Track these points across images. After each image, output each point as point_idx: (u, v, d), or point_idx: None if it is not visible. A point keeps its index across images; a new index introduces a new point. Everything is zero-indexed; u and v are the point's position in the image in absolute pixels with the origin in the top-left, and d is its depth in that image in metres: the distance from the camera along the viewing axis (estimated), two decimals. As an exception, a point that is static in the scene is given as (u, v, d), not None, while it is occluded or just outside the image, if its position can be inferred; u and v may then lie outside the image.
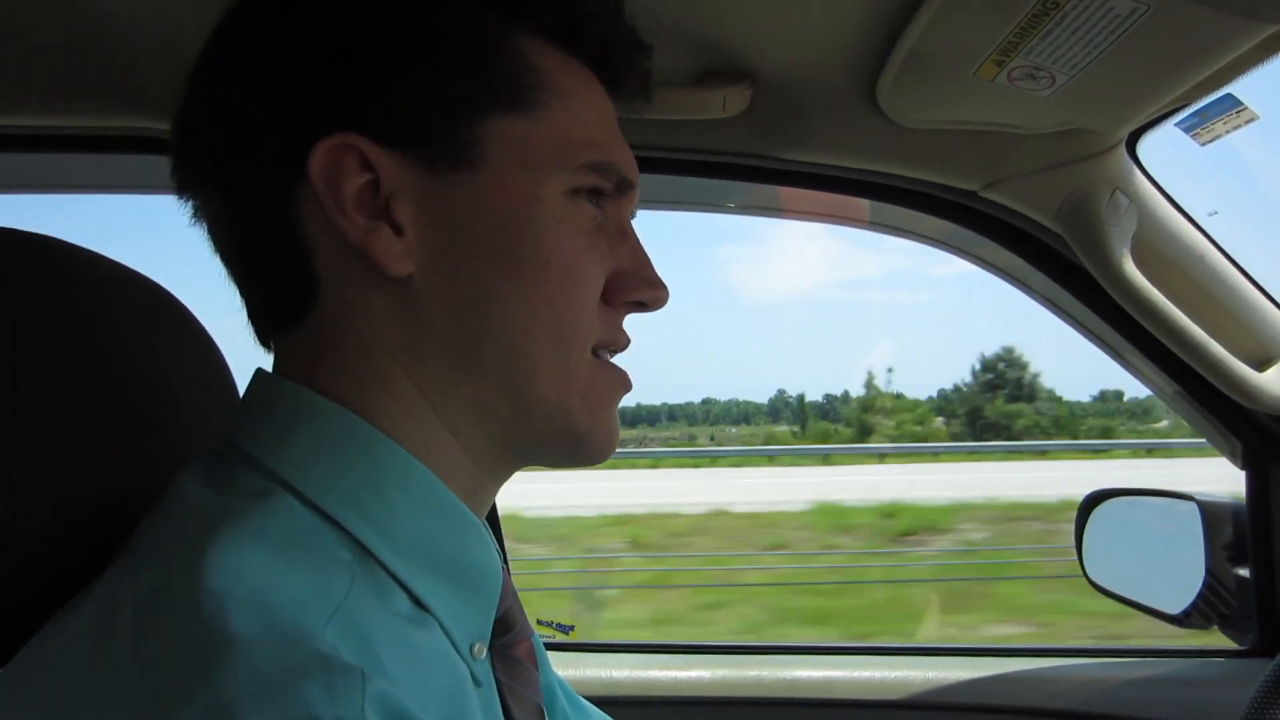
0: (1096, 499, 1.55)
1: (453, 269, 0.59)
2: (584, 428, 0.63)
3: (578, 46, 0.64)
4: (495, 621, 0.63)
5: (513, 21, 0.61)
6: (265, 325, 0.64)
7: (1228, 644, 1.44)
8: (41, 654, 0.52)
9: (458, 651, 0.58)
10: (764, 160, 1.16)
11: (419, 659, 0.52)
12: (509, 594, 0.67)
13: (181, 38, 0.62)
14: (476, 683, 0.60)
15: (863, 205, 1.30)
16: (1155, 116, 0.98)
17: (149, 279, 0.73)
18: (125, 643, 0.47)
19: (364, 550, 0.55)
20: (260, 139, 0.59)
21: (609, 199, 0.65)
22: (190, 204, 0.64)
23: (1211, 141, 0.98)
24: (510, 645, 0.67)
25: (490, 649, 0.63)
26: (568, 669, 1.46)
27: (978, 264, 1.37)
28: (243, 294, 0.64)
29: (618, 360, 0.68)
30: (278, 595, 0.48)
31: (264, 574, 0.49)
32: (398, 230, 0.58)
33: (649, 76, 0.71)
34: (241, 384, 0.65)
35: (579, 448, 0.64)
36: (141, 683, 0.44)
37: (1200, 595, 1.39)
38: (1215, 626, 1.41)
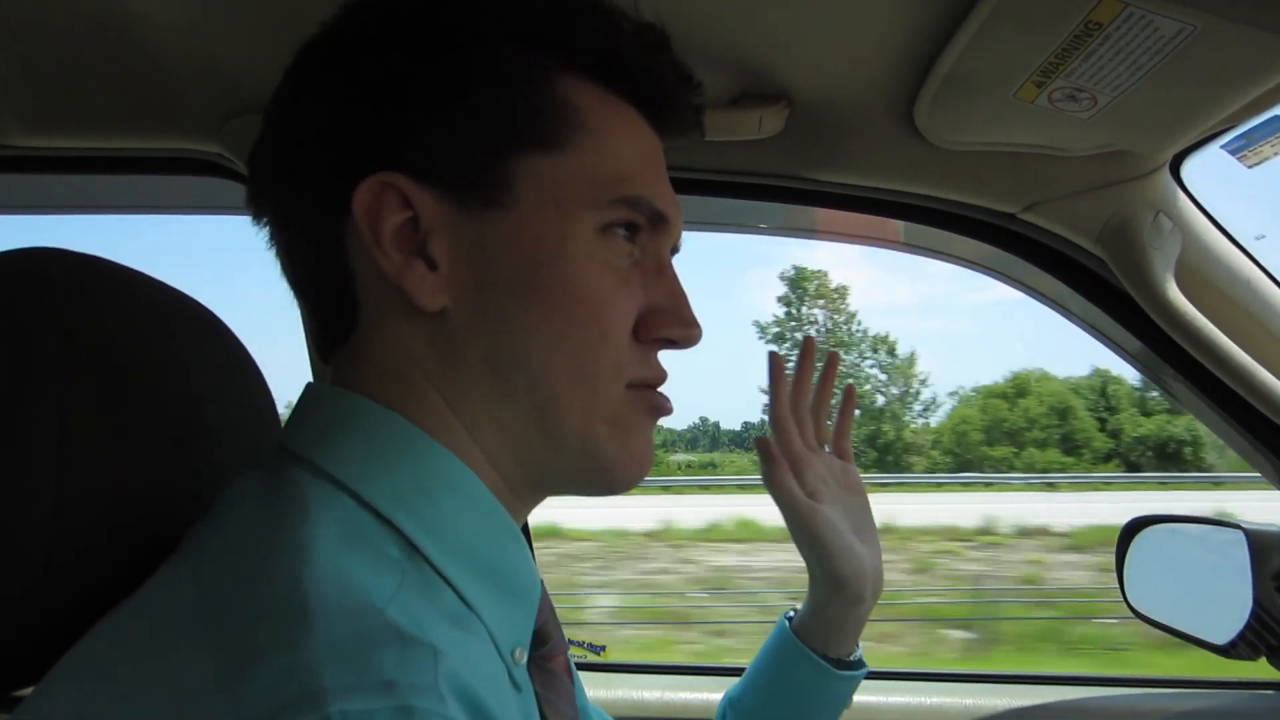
0: (1137, 525, 1.52)
1: (484, 304, 0.61)
2: (612, 458, 0.64)
3: (619, 85, 0.65)
4: (533, 634, 0.64)
5: (550, 61, 0.63)
6: (319, 341, 0.67)
7: (1276, 676, 1.40)
8: (90, 653, 0.53)
9: (499, 654, 0.59)
10: (799, 181, 1.16)
11: (468, 654, 0.53)
12: (546, 606, 0.68)
13: (225, 64, 0.64)
14: (517, 687, 0.61)
15: (897, 226, 1.29)
16: (1200, 138, 0.96)
17: (193, 299, 0.75)
18: (192, 623, 0.49)
19: (412, 548, 0.56)
20: (310, 176, 0.62)
21: (645, 233, 0.65)
22: (265, 229, 0.67)
23: (1259, 164, 0.96)
24: (547, 658, 0.68)
25: (528, 660, 0.64)
26: (598, 689, 1.46)
27: (1016, 287, 1.35)
28: (302, 311, 0.68)
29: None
30: (347, 573, 0.50)
31: (332, 554, 0.51)
32: (432, 265, 0.60)
33: (700, 110, 0.72)
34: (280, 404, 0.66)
35: (606, 477, 0.65)
36: (219, 650, 0.46)
37: (1247, 626, 1.35)
38: (1263, 658, 1.37)
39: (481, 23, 0.61)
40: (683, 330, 0.67)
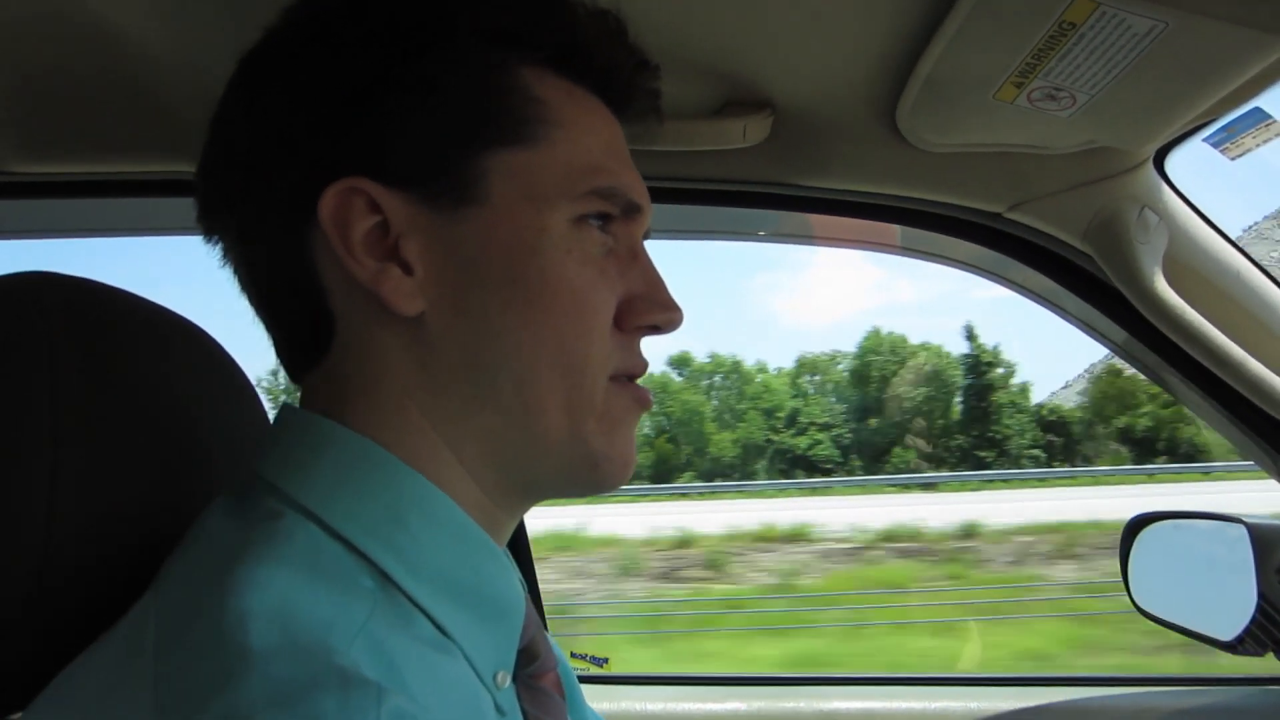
0: (1142, 522, 1.51)
1: (462, 304, 0.60)
2: (600, 453, 0.63)
3: (581, 74, 0.65)
4: (519, 652, 0.63)
5: (513, 55, 0.62)
6: (289, 362, 0.65)
7: (1283, 671, 1.40)
8: (72, 683, 0.53)
9: (480, 680, 0.58)
10: (787, 188, 1.16)
11: (442, 683, 0.52)
12: (532, 624, 0.66)
13: (217, 86, 0.65)
14: (500, 711, 0.59)
15: (893, 230, 1.29)
16: (1182, 132, 0.96)
17: (186, 320, 0.75)
18: (147, 660, 0.48)
19: (385, 578, 0.55)
20: (271, 184, 0.61)
21: (617, 223, 0.65)
22: (218, 247, 0.65)
23: (1241, 156, 0.97)
24: (535, 676, 0.66)
25: (515, 679, 0.63)
26: (602, 701, 1.45)
27: (1009, 287, 1.35)
28: (268, 331, 0.66)
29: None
30: (300, 612, 0.48)
31: (287, 592, 0.49)
32: (407, 269, 0.59)
33: (657, 96, 0.71)
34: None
35: (593, 474, 0.64)
36: (160, 694, 0.45)
37: (1253, 621, 1.34)
38: (1270, 654, 1.36)
39: (442, 20, 0.60)
40: (664, 315, 0.66)
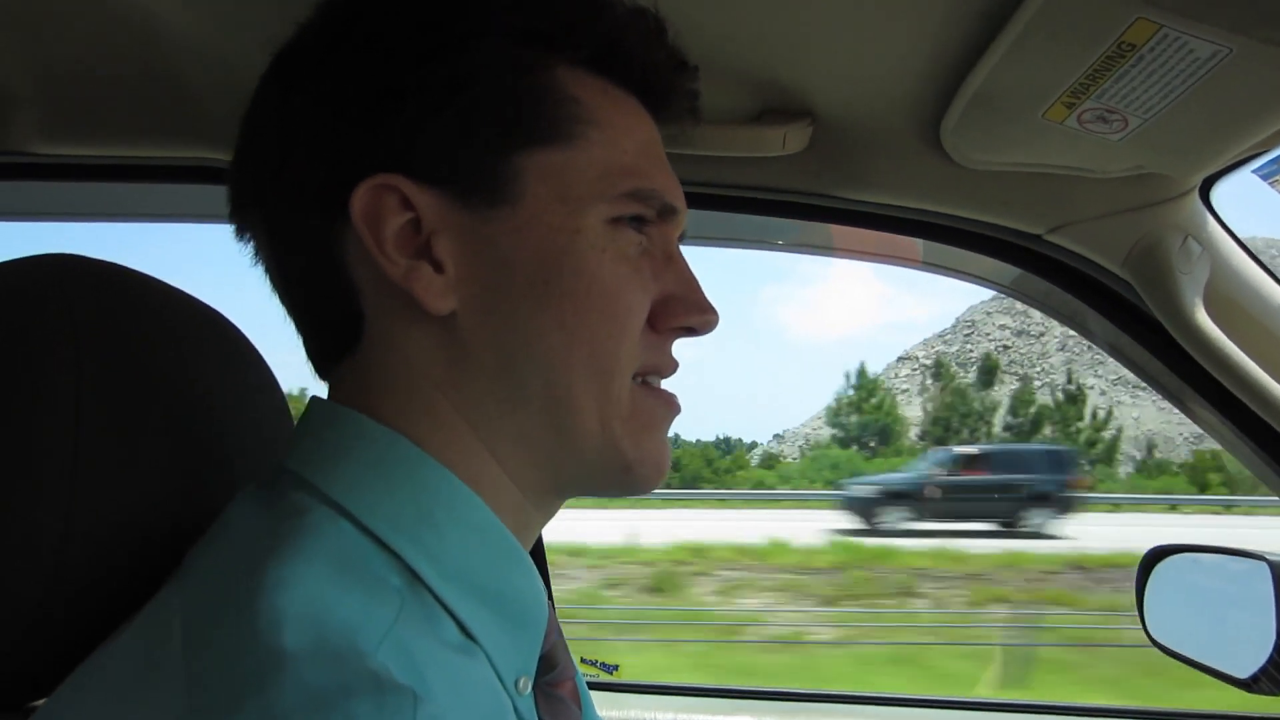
0: (1159, 555, 1.50)
1: (494, 304, 0.60)
2: (630, 457, 0.63)
3: (618, 74, 0.64)
4: (540, 659, 0.62)
5: (549, 55, 0.61)
6: (317, 357, 0.65)
7: (1301, 713, 1.38)
8: (96, 672, 0.52)
9: (503, 684, 0.58)
10: (822, 199, 1.15)
11: (466, 688, 0.52)
12: (554, 631, 0.66)
13: (246, 73, 0.64)
14: (520, 717, 0.59)
15: (917, 245, 1.27)
16: (1231, 162, 0.95)
17: (210, 307, 0.75)
18: (176, 657, 0.47)
19: (413, 575, 0.55)
20: (303, 181, 0.60)
21: (652, 224, 0.64)
22: (250, 244, 0.65)
23: (1292, 189, 0.95)
24: (554, 684, 0.66)
25: (534, 687, 0.62)
26: (610, 709, 1.45)
27: (1039, 308, 1.34)
28: (297, 327, 0.66)
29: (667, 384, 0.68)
30: (330, 614, 0.48)
31: (317, 592, 0.49)
32: (439, 268, 0.59)
33: (695, 97, 0.71)
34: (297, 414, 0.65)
35: (626, 477, 0.64)
36: (192, 695, 0.45)
37: (1271, 660, 1.32)
38: (1287, 693, 1.34)
39: (476, 18, 0.60)
40: (700, 317, 0.66)
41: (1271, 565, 1.34)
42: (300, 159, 0.60)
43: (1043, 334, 59.23)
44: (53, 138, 1.11)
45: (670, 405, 0.66)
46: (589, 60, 0.63)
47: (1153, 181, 1.00)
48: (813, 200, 1.15)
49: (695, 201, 1.14)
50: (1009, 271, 1.22)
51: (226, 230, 0.67)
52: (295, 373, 0.73)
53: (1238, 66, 0.72)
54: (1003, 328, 60.28)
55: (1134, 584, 1.50)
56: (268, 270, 0.65)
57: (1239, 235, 1.07)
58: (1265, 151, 0.92)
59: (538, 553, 1.36)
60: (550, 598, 0.72)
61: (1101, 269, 1.12)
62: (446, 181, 0.59)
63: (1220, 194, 1.05)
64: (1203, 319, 1.03)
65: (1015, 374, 57.23)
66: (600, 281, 0.60)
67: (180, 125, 1.08)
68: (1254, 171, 0.96)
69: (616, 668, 1.60)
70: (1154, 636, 1.45)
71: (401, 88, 0.59)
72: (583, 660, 1.53)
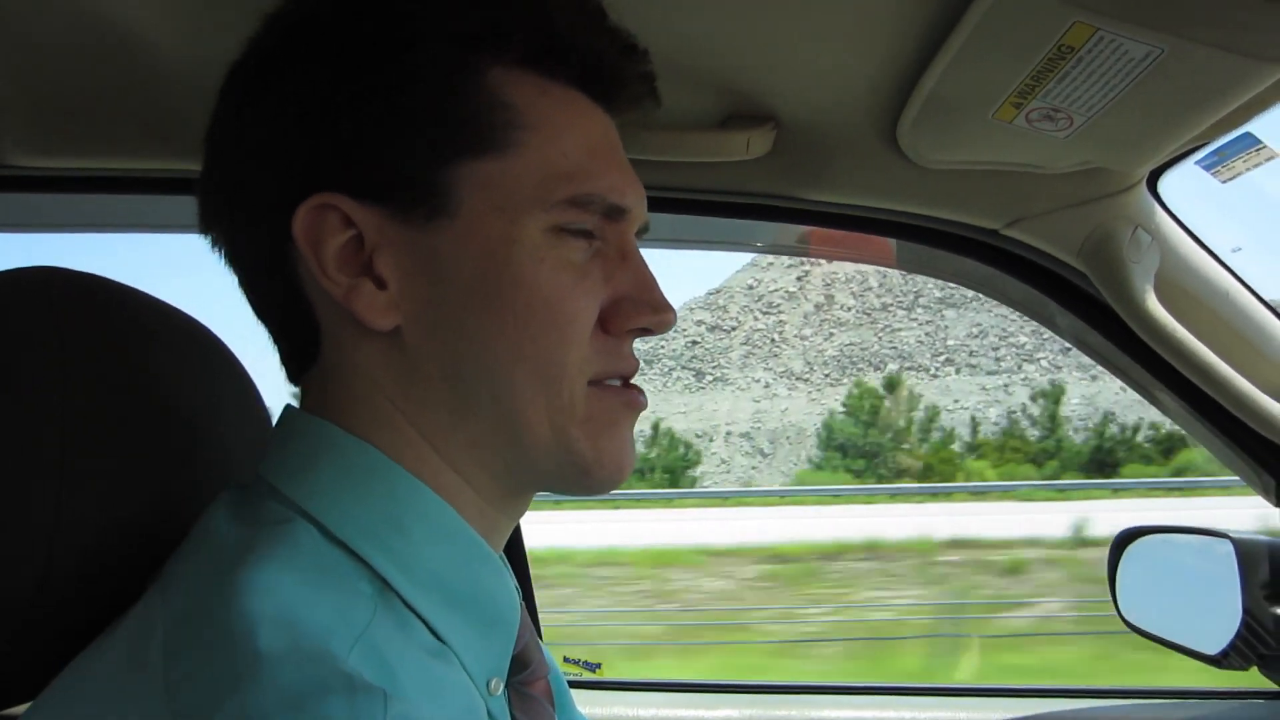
0: (1129, 536, 1.53)
1: (438, 318, 0.59)
2: (589, 459, 0.62)
3: (556, 70, 0.62)
4: (512, 659, 0.63)
5: (482, 57, 0.60)
6: (288, 366, 0.66)
7: (1267, 685, 1.41)
8: (78, 680, 0.53)
9: (475, 686, 0.58)
10: (788, 201, 1.17)
11: (439, 689, 0.52)
12: (526, 631, 0.66)
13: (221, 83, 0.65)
14: (492, 719, 0.60)
15: (889, 245, 1.31)
16: (1175, 155, 0.98)
17: (191, 317, 0.75)
18: (156, 664, 0.48)
19: (384, 583, 0.55)
20: (255, 199, 0.61)
21: (604, 224, 0.63)
22: (223, 256, 0.66)
23: (1232, 179, 0.99)
24: (526, 683, 0.67)
25: (507, 686, 0.63)
26: (593, 707, 1.45)
27: (1004, 302, 1.37)
28: (269, 335, 0.66)
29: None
30: (304, 618, 0.49)
31: (291, 598, 0.50)
32: (381, 284, 0.59)
33: (650, 80, 0.68)
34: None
35: (585, 478, 0.63)
36: (172, 700, 0.46)
37: (1238, 635, 1.36)
38: (1255, 667, 1.38)
39: (408, 28, 0.59)
40: (654, 317, 0.64)
41: (1236, 543, 1.37)
42: (248, 178, 0.60)
43: (734, 329, 60.57)
44: (34, 150, 1.11)
45: (631, 404, 0.65)
46: (523, 59, 0.61)
47: (1101, 175, 1.03)
48: (779, 202, 1.17)
49: (666, 206, 1.17)
50: (971, 267, 1.25)
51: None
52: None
53: (1171, 65, 0.76)
54: (699, 323, 61.33)
55: (1105, 566, 1.54)
56: (237, 282, 0.65)
57: (1188, 225, 1.11)
58: (1205, 144, 0.96)
59: (517, 555, 1.38)
60: (532, 598, 0.74)
61: (1059, 261, 1.16)
62: (385, 197, 0.58)
63: (1168, 185, 1.09)
64: (1154, 306, 1.07)
65: (692, 369, 58.14)
66: (540, 291, 0.59)
67: (162, 137, 1.08)
68: (1197, 163, 1.00)
69: (598, 666, 1.61)
70: (1126, 617, 1.48)
71: (334, 103, 0.58)
72: (565, 660, 1.54)
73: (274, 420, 0.65)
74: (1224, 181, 0.99)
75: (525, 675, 0.66)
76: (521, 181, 0.59)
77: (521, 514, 0.69)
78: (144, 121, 1.05)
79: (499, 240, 0.59)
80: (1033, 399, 47.09)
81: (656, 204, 0.71)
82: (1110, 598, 1.50)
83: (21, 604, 0.57)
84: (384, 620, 0.53)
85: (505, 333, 0.59)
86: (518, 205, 0.59)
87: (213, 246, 0.65)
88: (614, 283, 0.63)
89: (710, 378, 57.75)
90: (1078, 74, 0.79)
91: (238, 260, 0.64)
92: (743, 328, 60.73)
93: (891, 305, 58.84)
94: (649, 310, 0.64)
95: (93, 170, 1.16)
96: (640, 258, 0.66)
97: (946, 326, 56.91)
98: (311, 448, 0.60)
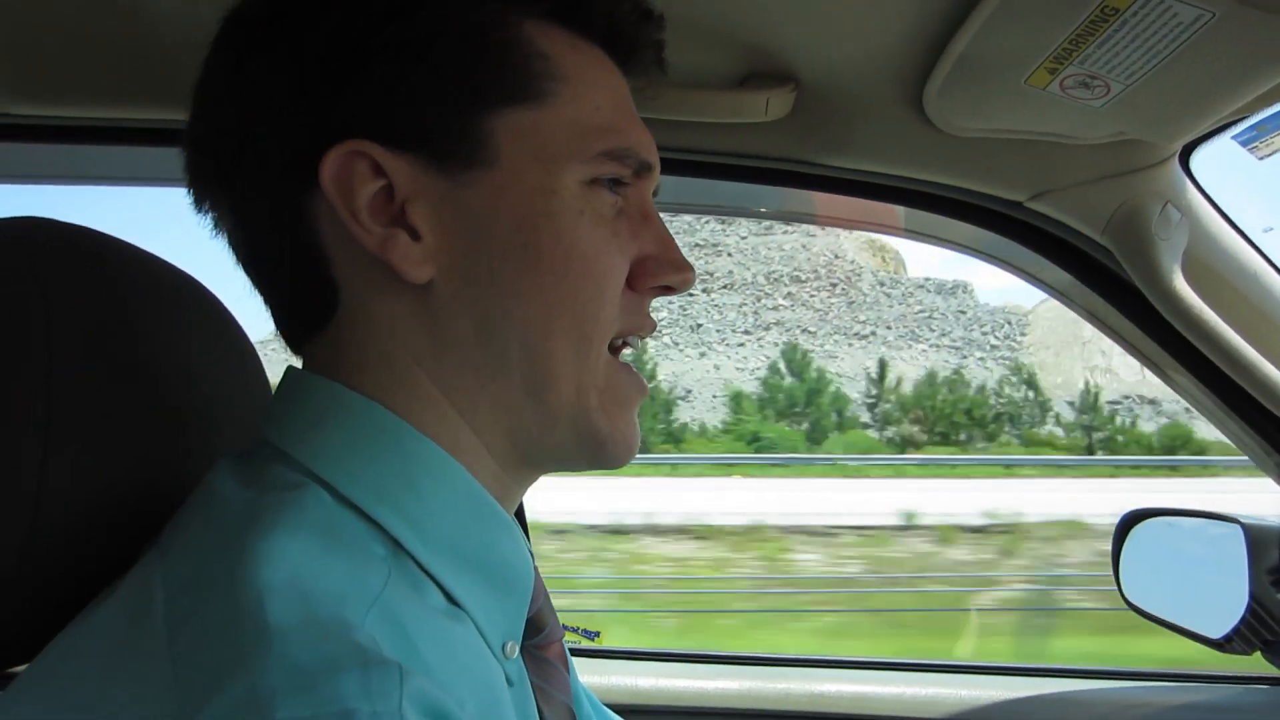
0: (1135, 518, 1.52)
1: (473, 271, 0.59)
2: (604, 432, 0.63)
3: (584, 25, 0.63)
4: (527, 622, 0.63)
5: (515, 9, 0.60)
6: (288, 331, 0.64)
7: (1271, 670, 1.40)
8: (79, 641, 0.52)
9: (490, 650, 0.58)
10: (805, 165, 1.14)
11: (457, 652, 0.52)
12: (540, 595, 0.66)
13: (214, 31, 0.62)
14: (509, 681, 0.59)
15: (898, 212, 1.27)
16: (1212, 129, 0.95)
17: (184, 272, 0.74)
18: (159, 633, 0.47)
19: (396, 544, 0.54)
20: (267, 152, 0.59)
21: (628, 184, 0.63)
22: (209, 217, 0.63)
23: (1270, 155, 0.96)
24: (541, 646, 0.67)
25: (521, 650, 0.62)
26: (592, 676, 1.46)
27: (1019, 275, 1.34)
28: (266, 302, 0.64)
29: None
30: (315, 585, 0.48)
31: (301, 564, 0.48)
32: (415, 235, 0.58)
33: (661, 47, 0.69)
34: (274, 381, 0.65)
35: (600, 451, 0.63)
36: (177, 671, 0.44)
37: (1243, 620, 1.35)
38: (1258, 652, 1.37)
39: None
40: (678, 275, 0.65)
41: (1245, 528, 1.36)
42: (262, 129, 0.58)
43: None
44: (27, 98, 1.08)
45: (641, 388, 0.66)
46: (553, 13, 0.61)
47: (1133, 148, 1.00)
48: (795, 167, 1.14)
49: (676, 168, 1.14)
50: (989, 239, 1.22)
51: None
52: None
53: (1220, 30, 0.72)
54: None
55: (1110, 547, 1.53)
56: (232, 243, 0.63)
57: (1218, 202, 1.08)
58: (1244, 117, 0.92)
59: (520, 522, 1.37)
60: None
61: (1082, 236, 1.13)
62: (418, 146, 0.58)
63: (1200, 160, 1.05)
64: (1181, 285, 1.04)
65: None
66: (579, 245, 0.59)
67: (155, 86, 1.05)
68: (1234, 138, 0.96)
69: (598, 634, 1.61)
70: (1129, 599, 1.47)
71: (366, 50, 0.57)
72: (565, 628, 1.54)
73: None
74: (1261, 158, 0.96)
75: (540, 639, 0.66)
76: (558, 133, 0.59)
77: (530, 485, 0.68)
78: (138, 70, 1.03)
79: (538, 191, 0.59)
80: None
81: (667, 166, 0.69)
82: (1114, 579, 1.50)
83: (10, 565, 0.55)
84: (398, 583, 0.52)
85: (542, 286, 0.59)
86: (555, 156, 0.59)
87: (198, 206, 0.63)
88: (639, 241, 0.64)
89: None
90: (1120, 38, 0.75)
91: (242, 219, 0.62)
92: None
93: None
94: (673, 269, 0.65)
95: (92, 120, 1.13)
96: (660, 218, 0.67)
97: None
98: (319, 409, 0.59)
